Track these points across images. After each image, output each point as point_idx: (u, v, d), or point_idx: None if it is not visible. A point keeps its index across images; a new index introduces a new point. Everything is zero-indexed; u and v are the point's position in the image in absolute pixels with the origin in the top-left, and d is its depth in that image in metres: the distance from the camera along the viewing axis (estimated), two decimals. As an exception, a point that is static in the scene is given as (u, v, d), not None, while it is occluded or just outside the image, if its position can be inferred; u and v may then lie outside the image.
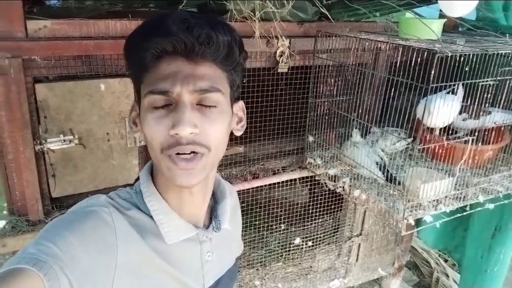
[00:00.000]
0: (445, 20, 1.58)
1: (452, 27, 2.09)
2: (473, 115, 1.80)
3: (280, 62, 1.72)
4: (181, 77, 0.66)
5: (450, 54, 1.29)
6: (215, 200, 0.89)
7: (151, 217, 0.75)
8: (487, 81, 1.43)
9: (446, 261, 3.00)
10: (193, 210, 0.79)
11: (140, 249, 0.72)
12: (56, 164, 1.49)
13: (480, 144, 1.67)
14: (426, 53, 1.34)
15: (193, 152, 0.67)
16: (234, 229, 0.95)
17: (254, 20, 1.53)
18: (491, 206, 1.67)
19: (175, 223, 0.76)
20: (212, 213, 0.86)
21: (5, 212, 1.47)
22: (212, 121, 0.69)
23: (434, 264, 3.02)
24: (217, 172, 0.91)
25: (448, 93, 1.70)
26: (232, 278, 0.94)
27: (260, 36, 1.62)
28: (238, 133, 0.83)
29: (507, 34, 1.74)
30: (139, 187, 0.79)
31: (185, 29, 0.65)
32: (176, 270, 0.76)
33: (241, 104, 0.82)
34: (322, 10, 1.65)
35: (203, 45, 0.66)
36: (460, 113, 1.86)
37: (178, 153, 0.67)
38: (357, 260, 2.46)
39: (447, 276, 2.93)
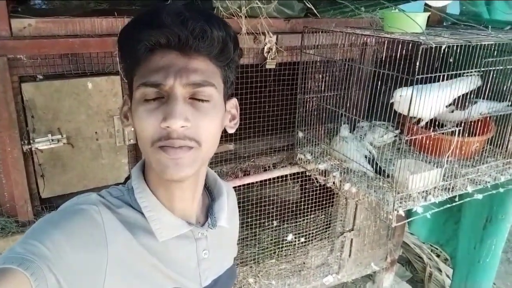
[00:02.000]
0: (429, 14, 1.60)
1: (436, 21, 2.12)
2: (460, 106, 1.82)
3: (268, 58, 1.73)
4: (174, 70, 0.65)
5: (434, 45, 1.31)
6: (212, 198, 0.88)
7: (142, 214, 0.74)
8: (471, 72, 1.45)
9: (438, 256, 3.02)
10: (183, 206, 0.78)
11: (132, 247, 0.71)
12: (45, 164, 1.48)
13: (466, 135, 1.69)
14: (410, 45, 1.36)
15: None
16: (232, 228, 0.94)
17: (241, 16, 1.53)
18: (479, 196, 1.69)
19: (166, 219, 0.75)
20: (209, 210, 0.86)
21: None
22: (205, 115, 0.68)
23: (427, 259, 3.04)
24: (214, 172, 0.91)
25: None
26: (231, 277, 0.93)
27: (247, 33, 1.63)
28: (231, 131, 0.82)
29: (489, 27, 1.77)
30: (131, 184, 0.78)
31: (179, 22, 0.64)
32: (169, 268, 0.75)
33: (234, 101, 0.82)
34: (308, 6, 1.66)
35: (197, 39, 0.65)
36: (448, 105, 1.89)
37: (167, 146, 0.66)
38: (350, 255, 2.47)
39: (440, 271, 2.95)
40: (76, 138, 1.50)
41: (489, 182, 1.71)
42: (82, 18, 1.41)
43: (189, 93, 0.67)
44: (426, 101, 1.50)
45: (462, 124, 1.65)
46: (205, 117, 0.68)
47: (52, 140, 1.45)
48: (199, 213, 0.84)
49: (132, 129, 0.74)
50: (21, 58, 1.33)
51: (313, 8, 1.72)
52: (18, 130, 1.38)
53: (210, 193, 0.89)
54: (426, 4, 2.04)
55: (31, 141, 1.42)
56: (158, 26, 0.64)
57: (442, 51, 1.36)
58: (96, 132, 1.53)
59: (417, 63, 1.29)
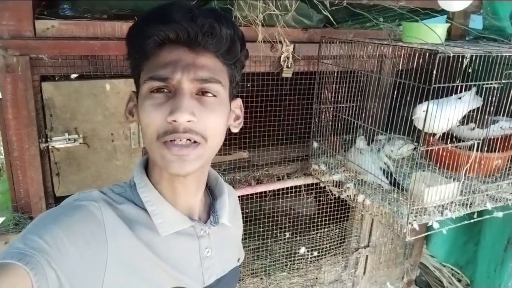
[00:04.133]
0: (449, 25, 1.59)
1: (458, 36, 2.09)
2: (481, 124, 1.78)
3: (284, 67, 1.73)
4: (182, 65, 0.66)
5: (452, 54, 1.28)
6: (213, 197, 0.88)
7: (145, 210, 0.74)
8: (491, 83, 1.41)
9: (459, 280, 2.90)
10: (185, 201, 0.79)
11: (132, 244, 0.71)
12: (61, 162, 1.50)
13: (485, 151, 1.64)
14: (427, 54, 1.34)
15: (189, 140, 0.67)
16: (235, 228, 0.94)
17: (257, 23, 1.55)
18: (499, 214, 1.63)
19: (169, 213, 0.75)
20: (210, 209, 0.86)
21: (8, 208, 1.49)
22: (211, 110, 0.69)
23: (447, 283, 2.93)
24: (220, 175, 0.92)
25: (459, 98, 1.68)
26: (235, 279, 0.92)
27: (265, 41, 1.64)
28: (235, 130, 0.83)
29: (513, 40, 1.73)
30: (133, 181, 0.79)
31: (189, 18, 0.65)
32: (170, 266, 0.75)
33: (239, 101, 0.82)
34: (325, 13, 1.67)
35: (206, 36, 0.67)
36: (467, 123, 1.85)
37: (173, 140, 0.67)
38: (364, 272, 2.41)
39: (460, 295, 2.83)
40: (92, 138, 1.53)
41: (510, 200, 1.65)
42: (103, 21, 1.45)
43: (196, 88, 0.68)
44: (438, 115, 1.48)
45: (481, 139, 1.60)
46: (211, 113, 0.69)
47: (69, 139, 1.48)
48: (201, 212, 0.84)
49: (135, 126, 0.74)
50: (43, 58, 1.37)
51: (331, 17, 1.72)
52: (36, 128, 1.41)
53: (211, 192, 0.90)
54: (448, 18, 2.03)
55: (48, 140, 1.45)
56: (168, 22, 0.66)
57: (461, 61, 1.34)
58: (112, 134, 1.56)
59: (434, 72, 1.27)
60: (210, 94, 0.69)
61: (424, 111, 1.56)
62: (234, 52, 0.72)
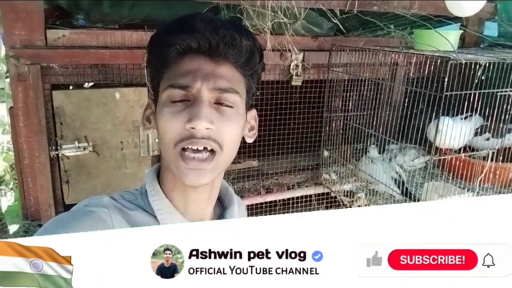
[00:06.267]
0: (462, 32, 1.56)
1: (473, 43, 2.05)
2: (496, 134, 1.73)
3: (294, 75, 1.72)
4: (202, 74, 0.67)
5: (464, 61, 1.26)
6: (223, 207, 0.88)
7: (155, 218, 0.74)
8: (506, 91, 1.38)
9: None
10: (197, 210, 0.78)
11: None
12: (70, 170, 1.51)
13: (500, 160, 1.60)
14: (439, 61, 1.32)
15: (206, 148, 0.67)
16: None
17: (266, 31, 1.55)
18: (516, 226, 1.57)
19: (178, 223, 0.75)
20: (220, 219, 0.85)
21: (19, 216, 1.50)
22: (228, 120, 0.69)
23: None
24: (229, 184, 0.91)
25: (463, 118, 1.66)
26: None
27: (274, 50, 1.64)
28: (249, 140, 0.83)
29: (529, 47, 1.69)
30: (144, 188, 0.78)
31: (211, 28, 0.66)
32: None
33: (254, 112, 0.82)
34: (334, 21, 1.66)
35: (227, 46, 0.68)
36: (481, 133, 1.81)
37: (190, 148, 0.67)
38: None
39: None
40: (102, 146, 1.54)
41: (527, 211, 1.59)
42: (113, 31, 1.46)
43: (214, 97, 0.68)
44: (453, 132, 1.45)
45: (497, 149, 1.56)
46: (228, 122, 0.69)
47: (79, 147, 1.49)
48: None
49: (151, 133, 0.75)
50: (54, 67, 1.39)
51: (340, 26, 1.71)
52: (46, 136, 1.42)
53: (221, 203, 0.89)
54: (461, 25, 1.99)
55: (58, 147, 1.46)
56: (190, 31, 0.67)
57: (474, 68, 1.31)
58: (121, 142, 1.56)
59: (446, 80, 1.25)
60: (228, 104, 0.70)
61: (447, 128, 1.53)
62: (253, 63, 0.73)
